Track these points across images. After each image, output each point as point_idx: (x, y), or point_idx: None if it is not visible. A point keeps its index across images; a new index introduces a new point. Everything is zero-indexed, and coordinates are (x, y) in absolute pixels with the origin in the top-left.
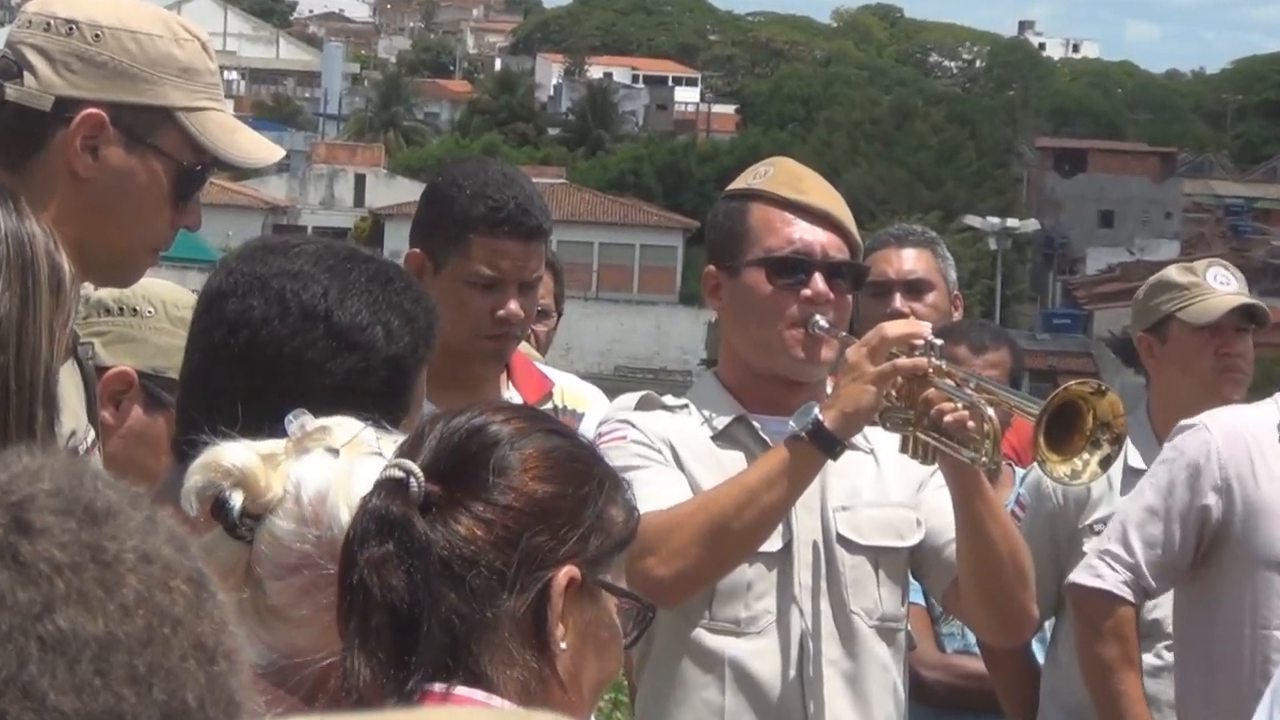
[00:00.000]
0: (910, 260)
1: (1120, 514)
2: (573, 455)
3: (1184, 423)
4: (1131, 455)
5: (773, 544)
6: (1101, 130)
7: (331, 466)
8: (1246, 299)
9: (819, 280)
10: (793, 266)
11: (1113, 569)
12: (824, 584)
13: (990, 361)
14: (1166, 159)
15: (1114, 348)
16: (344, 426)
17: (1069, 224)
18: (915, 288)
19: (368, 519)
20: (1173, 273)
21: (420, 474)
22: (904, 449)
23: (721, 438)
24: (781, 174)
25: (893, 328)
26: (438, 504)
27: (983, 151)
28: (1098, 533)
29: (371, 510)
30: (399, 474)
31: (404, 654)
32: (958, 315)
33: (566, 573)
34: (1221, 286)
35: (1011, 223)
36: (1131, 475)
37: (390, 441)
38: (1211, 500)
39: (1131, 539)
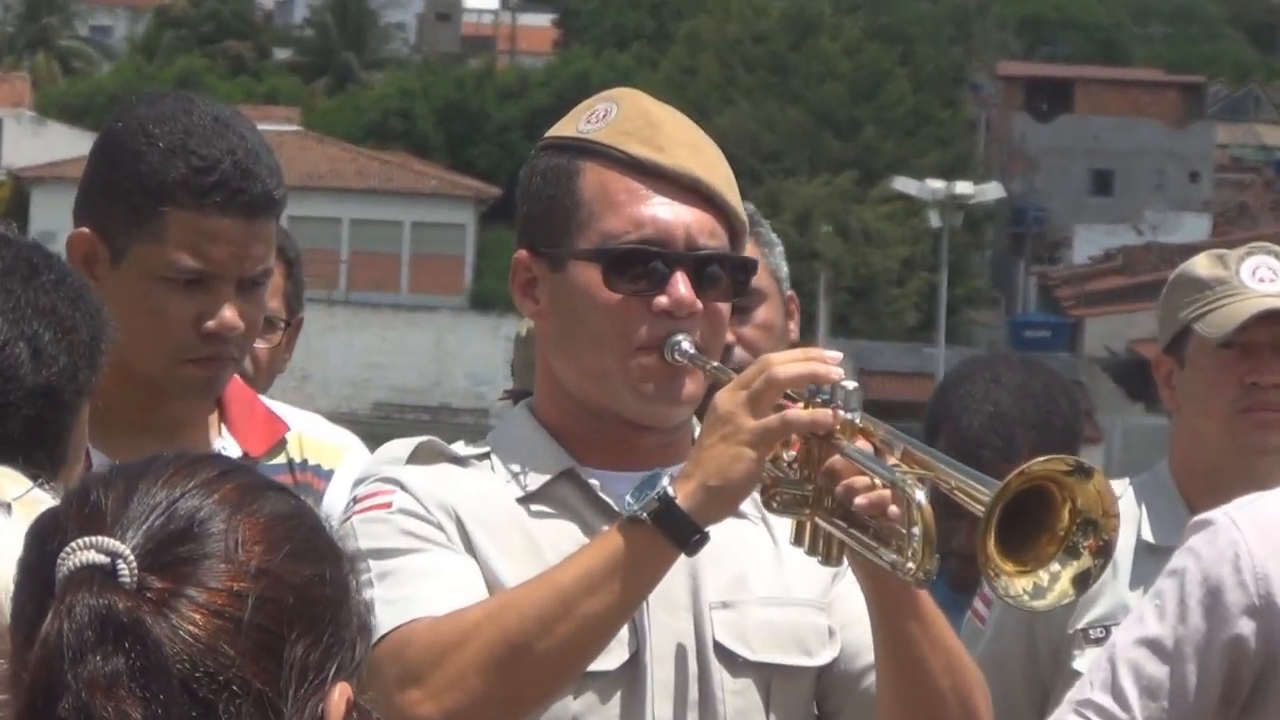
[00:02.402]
0: None
1: (1109, 649)
2: (317, 525)
3: (1200, 517)
4: (1146, 527)
5: (612, 658)
6: (1095, 52)
7: (2, 526)
8: None
9: (680, 282)
10: (643, 261)
11: None
12: (692, 719)
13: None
14: (1191, 94)
15: (1114, 373)
16: (11, 477)
17: (1048, 190)
18: (737, 303)
19: (82, 624)
20: (1199, 265)
21: (130, 555)
22: (797, 540)
23: (540, 501)
24: (629, 117)
25: (785, 363)
26: (154, 600)
27: (920, 83)
28: (1095, 641)
29: (88, 611)
30: (99, 558)
31: None
32: (794, 327)
33: (342, 693)
34: (1261, 285)
35: (963, 188)
36: (1147, 555)
37: None
38: (1245, 628)
39: (1125, 685)
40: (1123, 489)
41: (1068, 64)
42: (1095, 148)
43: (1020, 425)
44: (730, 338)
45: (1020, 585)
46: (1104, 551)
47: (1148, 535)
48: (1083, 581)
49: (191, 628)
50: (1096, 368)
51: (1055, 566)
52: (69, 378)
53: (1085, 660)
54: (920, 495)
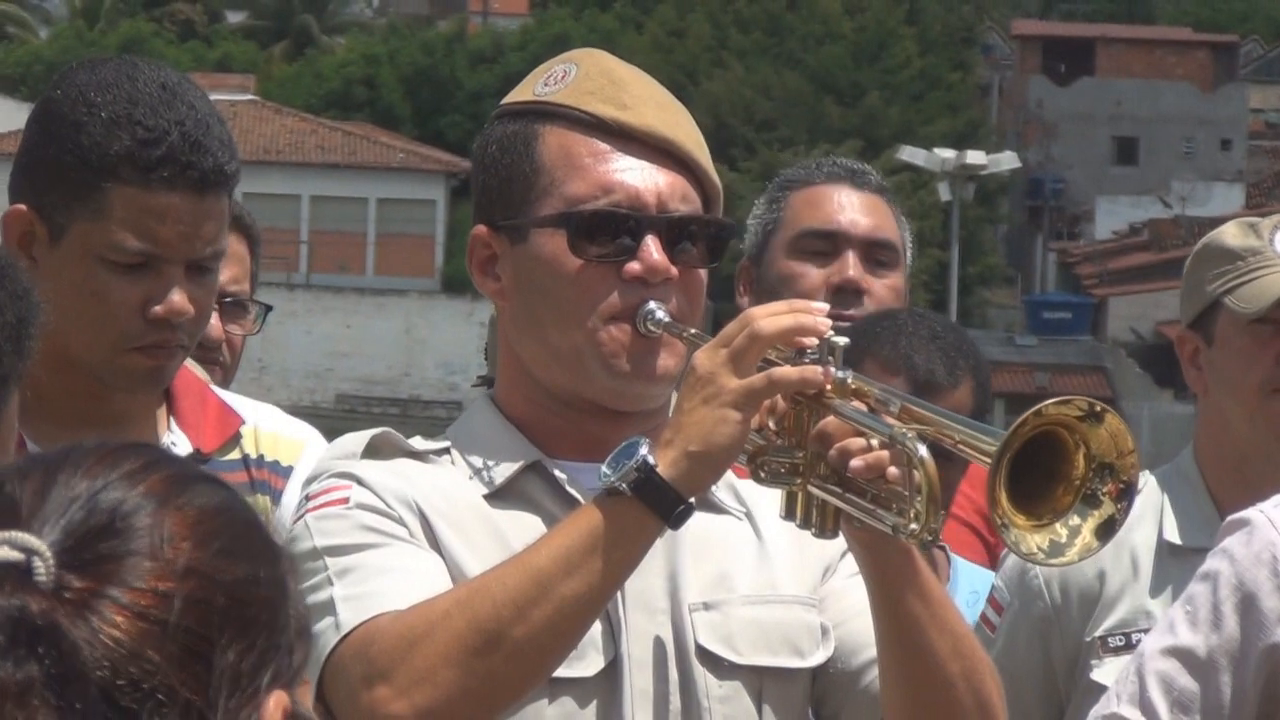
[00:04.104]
0: (871, 210)
1: (1137, 660)
2: (251, 520)
3: (1235, 516)
4: (1170, 526)
5: (588, 665)
6: (1118, 9)
7: None
8: None
9: (653, 247)
10: (612, 226)
11: None
12: None
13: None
14: (1222, 54)
15: (1140, 357)
16: None
17: (1067, 159)
18: (878, 253)
19: None
20: (1228, 235)
21: (47, 553)
22: (788, 513)
23: (505, 498)
24: (590, 76)
25: (768, 316)
26: (73, 601)
27: (928, 44)
28: (1114, 649)
29: None
30: (13, 555)
31: None
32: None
33: (277, 703)
34: None
35: (975, 158)
36: (1170, 557)
37: None
38: None
39: (1154, 697)
40: (1143, 482)
41: (1088, 22)
42: (1118, 113)
43: (958, 353)
44: (863, 282)
45: (1035, 541)
46: (1126, 495)
47: (1171, 535)
48: (1107, 531)
49: (113, 631)
50: (1121, 351)
51: (1074, 519)
52: None
53: (1104, 670)
54: (923, 450)
